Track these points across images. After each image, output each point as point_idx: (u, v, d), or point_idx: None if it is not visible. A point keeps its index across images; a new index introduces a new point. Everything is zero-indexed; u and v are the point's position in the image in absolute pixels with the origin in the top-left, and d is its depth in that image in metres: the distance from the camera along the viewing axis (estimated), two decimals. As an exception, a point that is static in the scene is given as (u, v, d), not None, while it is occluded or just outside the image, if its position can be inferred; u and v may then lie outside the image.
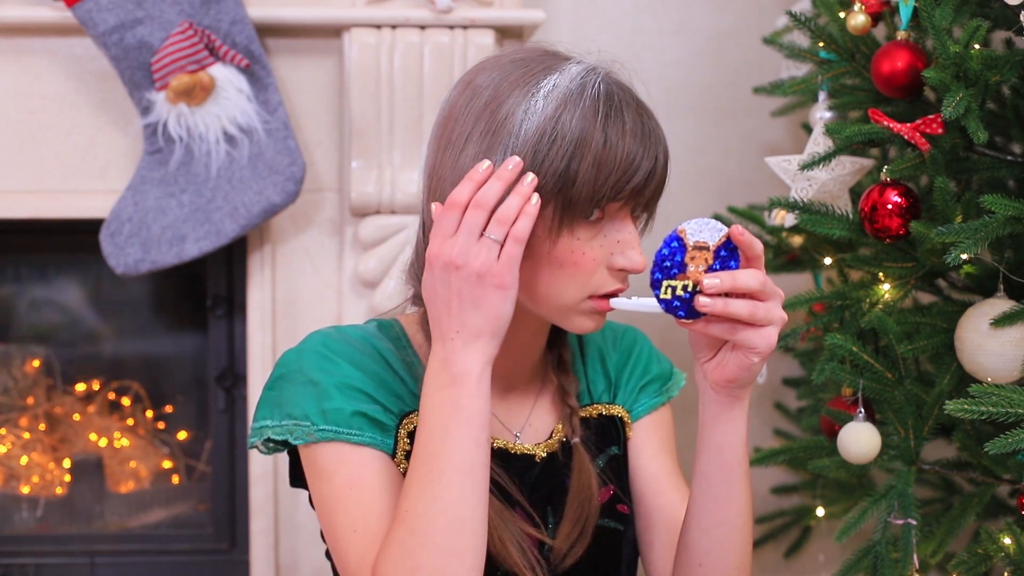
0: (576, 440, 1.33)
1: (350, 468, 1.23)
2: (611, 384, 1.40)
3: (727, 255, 1.14)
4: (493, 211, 1.14)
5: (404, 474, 1.24)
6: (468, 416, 1.15)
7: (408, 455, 1.24)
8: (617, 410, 1.39)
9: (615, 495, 1.34)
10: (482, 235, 1.13)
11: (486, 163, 1.15)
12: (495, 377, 1.31)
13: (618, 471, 1.36)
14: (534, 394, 1.35)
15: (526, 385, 1.35)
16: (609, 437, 1.37)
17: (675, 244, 1.14)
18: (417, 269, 1.31)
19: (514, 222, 1.14)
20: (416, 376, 1.28)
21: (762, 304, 1.12)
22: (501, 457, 1.29)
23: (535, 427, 1.34)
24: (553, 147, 1.17)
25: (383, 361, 1.28)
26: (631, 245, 1.20)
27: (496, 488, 1.26)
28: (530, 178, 1.15)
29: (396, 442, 1.25)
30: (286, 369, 1.27)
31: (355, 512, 1.21)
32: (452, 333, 1.15)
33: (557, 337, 1.37)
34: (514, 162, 1.15)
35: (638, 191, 1.19)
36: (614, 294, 1.21)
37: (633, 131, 1.19)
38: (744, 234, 1.12)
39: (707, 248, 1.14)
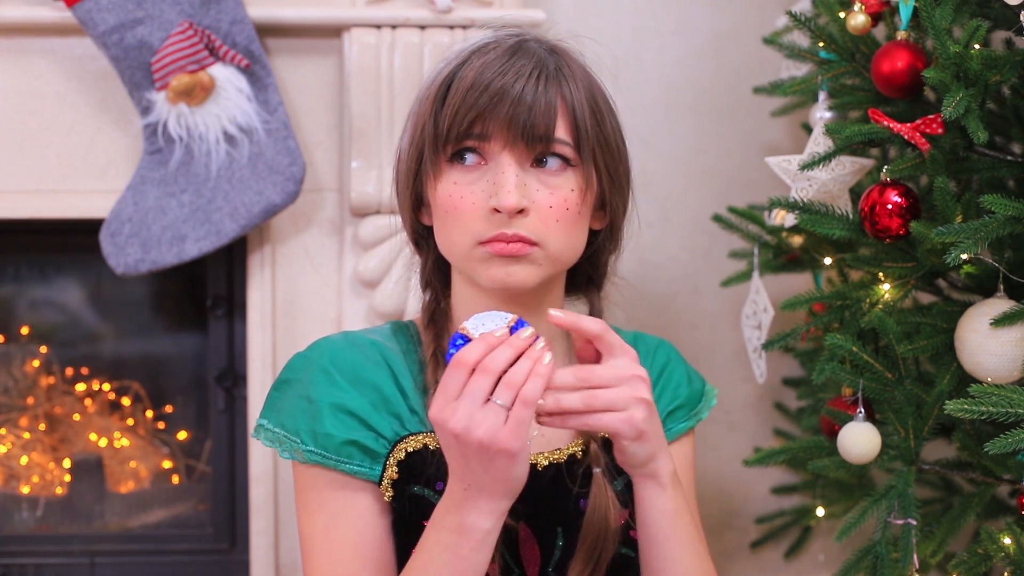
0: (597, 471, 1.27)
1: (329, 508, 1.23)
2: None
3: (521, 327, 1.11)
4: (500, 376, 1.08)
5: (388, 502, 1.24)
6: (464, 568, 1.11)
7: (393, 484, 1.24)
8: None
9: (629, 520, 1.30)
10: (488, 400, 1.07)
11: (503, 328, 1.10)
12: None
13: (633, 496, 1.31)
14: None
15: None
16: None
17: (460, 342, 1.10)
18: (420, 271, 1.33)
19: (523, 385, 1.08)
20: (420, 387, 1.27)
21: (603, 392, 1.10)
22: None
23: (547, 436, 1.30)
24: (425, 100, 1.23)
25: (389, 372, 1.26)
26: (502, 185, 1.17)
27: None
28: (541, 343, 1.10)
29: (384, 468, 1.24)
30: (292, 375, 1.27)
31: (325, 570, 1.22)
32: (465, 484, 1.10)
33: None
34: (528, 331, 1.10)
35: (492, 122, 1.17)
36: (498, 239, 1.18)
37: (488, 65, 1.18)
38: (565, 318, 1.11)
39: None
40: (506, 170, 1.18)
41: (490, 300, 1.25)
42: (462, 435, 1.07)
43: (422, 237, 1.30)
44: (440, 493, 1.20)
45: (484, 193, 1.19)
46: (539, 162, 1.21)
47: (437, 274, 1.32)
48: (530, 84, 1.17)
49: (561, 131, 1.20)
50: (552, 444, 1.30)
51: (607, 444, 1.30)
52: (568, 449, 1.29)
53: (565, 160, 1.21)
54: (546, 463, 1.28)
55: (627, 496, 1.29)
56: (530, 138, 1.18)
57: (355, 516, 1.23)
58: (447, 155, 1.20)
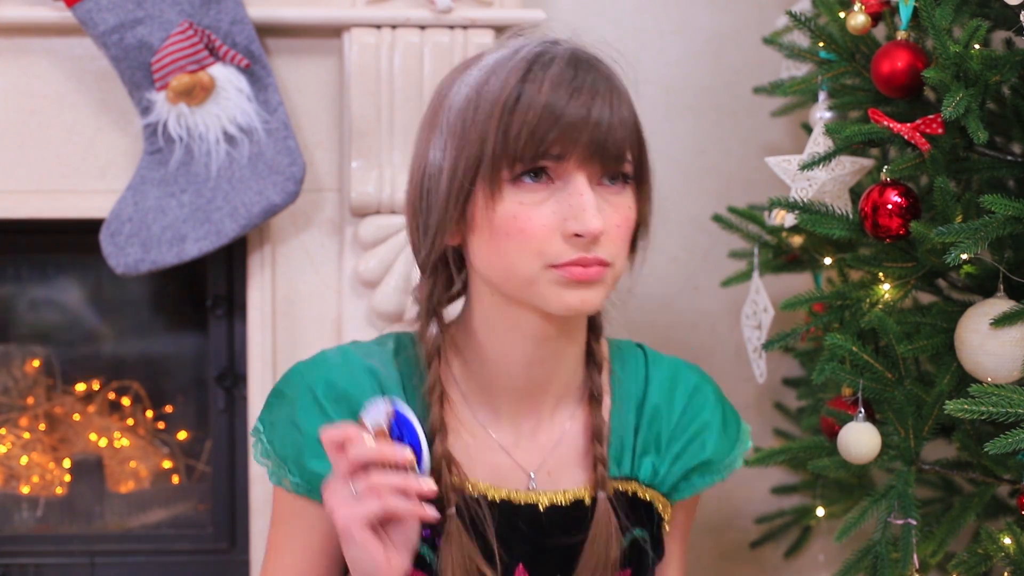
0: (602, 495, 1.22)
1: (304, 524, 1.23)
2: (660, 453, 1.28)
3: (401, 420, 1.12)
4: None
5: None
6: None
7: None
8: (652, 494, 1.27)
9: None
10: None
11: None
12: (504, 398, 1.23)
13: (639, 554, 1.25)
14: (558, 431, 1.26)
15: (551, 416, 1.26)
16: (638, 517, 1.26)
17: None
18: (428, 296, 1.25)
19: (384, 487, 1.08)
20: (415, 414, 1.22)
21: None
22: (504, 511, 1.21)
23: (553, 475, 1.24)
24: (477, 113, 1.13)
25: None
26: (583, 208, 1.11)
27: (484, 550, 1.19)
28: (428, 487, 1.10)
29: None
30: (287, 388, 1.24)
31: None
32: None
33: (591, 371, 1.27)
34: (429, 485, 1.10)
35: (573, 145, 1.11)
36: (577, 264, 1.12)
37: (557, 83, 1.12)
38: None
39: (384, 431, 1.12)
40: (584, 192, 1.12)
41: (535, 321, 1.19)
42: (326, 509, 1.10)
43: (450, 258, 1.22)
44: (426, 540, 1.18)
45: (555, 215, 1.12)
46: (602, 180, 1.16)
47: (444, 298, 1.25)
48: (605, 104, 1.13)
49: (628, 149, 1.16)
50: (558, 485, 1.24)
51: (620, 495, 1.25)
52: (575, 492, 1.24)
53: (625, 177, 1.17)
54: (548, 504, 1.23)
55: (631, 555, 1.24)
56: (606, 158, 1.13)
57: (325, 546, 1.24)
58: (513, 174, 1.13)
